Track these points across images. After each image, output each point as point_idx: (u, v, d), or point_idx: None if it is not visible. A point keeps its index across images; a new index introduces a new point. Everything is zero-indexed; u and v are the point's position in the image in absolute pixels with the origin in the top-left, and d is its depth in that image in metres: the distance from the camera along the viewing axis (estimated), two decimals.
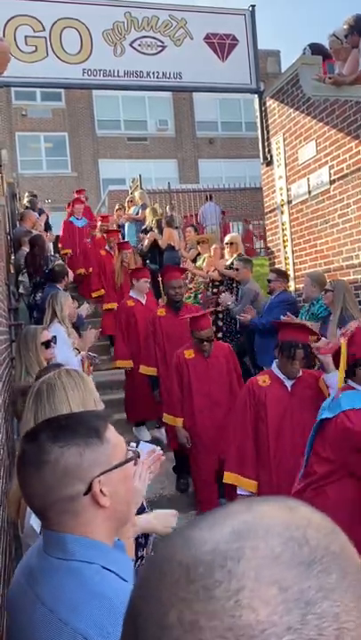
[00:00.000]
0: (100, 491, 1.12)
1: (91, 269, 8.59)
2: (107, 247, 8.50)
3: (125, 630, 0.44)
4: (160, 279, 7.13)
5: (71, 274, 6.71)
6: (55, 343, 3.68)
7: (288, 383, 3.70)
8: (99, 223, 9.83)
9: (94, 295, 8.24)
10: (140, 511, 1.70)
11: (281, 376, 3.71)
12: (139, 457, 1.27)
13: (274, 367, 3.79)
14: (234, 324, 6.41)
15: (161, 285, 7.07)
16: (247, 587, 0.38)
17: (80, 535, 1.11)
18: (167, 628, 0.39)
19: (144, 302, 6.28)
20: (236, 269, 6.45)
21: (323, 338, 4.57)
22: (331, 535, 0.43)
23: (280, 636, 0.37)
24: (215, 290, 6.93)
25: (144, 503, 1.78)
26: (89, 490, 1.11)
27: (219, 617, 0.38)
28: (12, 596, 1.20)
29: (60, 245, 10.08)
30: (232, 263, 6.69)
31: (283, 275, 6.05)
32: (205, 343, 4.56)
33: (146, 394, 5.74)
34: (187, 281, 7.77)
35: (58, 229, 11.02)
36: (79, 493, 1.11)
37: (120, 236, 9.28)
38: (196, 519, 0.46)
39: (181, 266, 8.27)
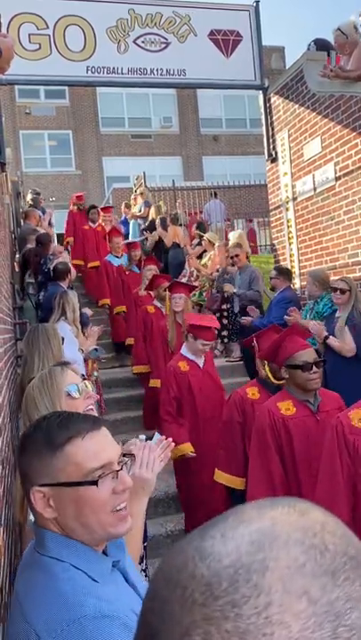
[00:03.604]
0: (48, 500, 1.12)
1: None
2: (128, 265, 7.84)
3: None
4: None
5: (74, 271, 6.70)
6: (62, 343, 3.67)
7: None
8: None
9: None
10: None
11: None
12: (118, 474, 1.17)
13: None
14: (239, 323, 6.42)
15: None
16: (275, 601, 0.37)
17: (55, 531, 1.13)
18: None
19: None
20: (237, 255, 6.62)
21: (331, 336, 4.57)
22: (345, 538, 0.42)
23: None
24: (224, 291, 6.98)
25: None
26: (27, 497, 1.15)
27: (251, 635, 0.36)
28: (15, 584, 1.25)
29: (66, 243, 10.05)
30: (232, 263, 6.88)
31: (284, 272, 6.05)
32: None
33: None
34: (192, 278, 7.77)
35: (61, 227, 11.03)
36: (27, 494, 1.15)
37: (120, 230, 9.35)
38: (206, 527, 0.44)
39: (186, 264, 8.30)
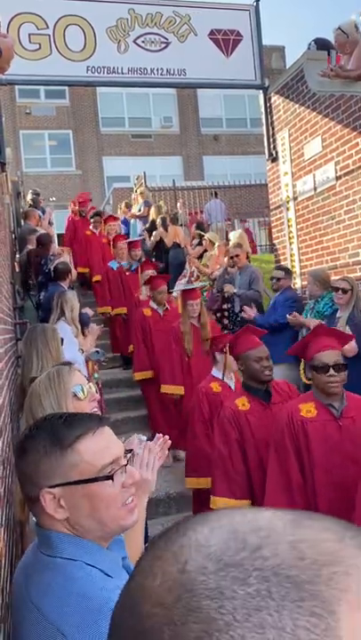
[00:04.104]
0: (59, 501, 1.11)
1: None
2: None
3: None
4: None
5: (74, 272, 6.70)
6: (62, 344, 3.66)
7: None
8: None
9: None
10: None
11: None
12: (125, 468, 1.19)
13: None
14: (240, 323, 6.41)
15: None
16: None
17: (63, 532, 1.12)
18: None
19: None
20: (237, 255, 6.63)
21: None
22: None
23: None
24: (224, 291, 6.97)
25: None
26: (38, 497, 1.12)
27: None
28: (13, 590, 1.22)
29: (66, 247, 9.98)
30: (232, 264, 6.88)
31: (288, 271, 6.05)
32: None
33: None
34: (192, 278, 7.77)
35: (61, 227, 11.02)
36: (36, 498, 1.12)
37: (118, 229, 9.26)
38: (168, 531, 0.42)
39: (187, 264, 8.29)
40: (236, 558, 0.37)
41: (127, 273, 7.40)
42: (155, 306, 5.96)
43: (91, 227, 9.18)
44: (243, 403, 3.50)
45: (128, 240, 7.95)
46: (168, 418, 5.49)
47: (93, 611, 0.98)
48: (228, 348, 3.90)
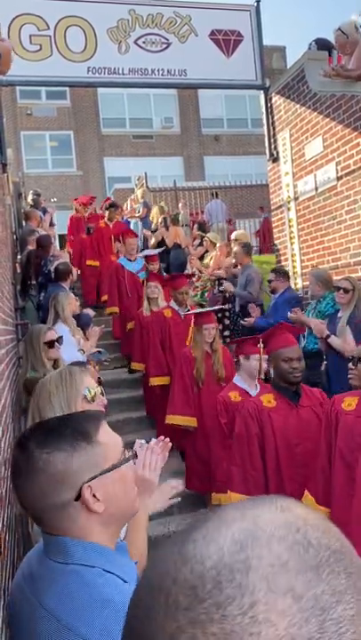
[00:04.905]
0: (94, 495, 1.09)
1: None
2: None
3: None
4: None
5: (75, 272, 6.70)
6: (61, 344, 3.68)
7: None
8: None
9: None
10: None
11: None
12: (136, 457, 1.25)
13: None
14: (240, 325, 6.43)
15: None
16: (260, 600, 0.36)
17: (78, 538, 1.08)
18: None
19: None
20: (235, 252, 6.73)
21: (332, 335, 4.56)
22: (328, 532, 0.42)
23: None
24: (221, 288, 6.98)
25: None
26: (79, 496, 1.09)
27: (238, 636, 0.35)
28: (12, 599, 1.17)
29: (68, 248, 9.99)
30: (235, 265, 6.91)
31: (282, 274, 6.06)
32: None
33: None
34: (194, 279, 7.77)
35: (63, 228, 11.04)
36: (70, 500, 1.08)
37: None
38: (187, 530, 0.43)
39: (188, 264, 8.28)
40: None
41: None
42: (176, 307, 5.56)
43: (105, 218, 9.15)
44: (269, 400, 3.42)
45: (144, 253, 7.39)
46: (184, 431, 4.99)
47: (118, 617, 0.96)
48: (261, 345, 3.75)
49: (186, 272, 8.14)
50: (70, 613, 0.99)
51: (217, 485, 4.02)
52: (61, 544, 1.08)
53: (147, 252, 7.38)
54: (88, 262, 8.87)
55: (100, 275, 8.63)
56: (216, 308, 5.43)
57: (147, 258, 7.09)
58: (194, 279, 7.70)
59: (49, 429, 1.13)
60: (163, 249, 8.38)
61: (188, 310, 5.49)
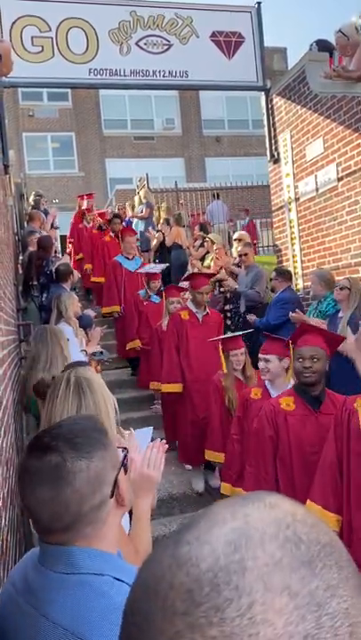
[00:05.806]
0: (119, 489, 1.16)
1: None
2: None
3: None
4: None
5: (77, 273, 6.72)
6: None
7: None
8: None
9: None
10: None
11: None
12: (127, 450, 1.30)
13: None
14: (241, 324, 6.44)
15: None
16: (258, 600, 0.36)
17: (84, 546, 1.06)
18: None
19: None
20: (245, 254, 6.71)
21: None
22: (317, 526, 0.42)
23: None
24: (222, 289, 7.00)
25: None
26: (113, 491, 1.12)
27: (237, 638, 0.35)
28: (2, 608, 1.11)
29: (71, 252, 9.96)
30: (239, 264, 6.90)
31: (283, 274, 6.08)
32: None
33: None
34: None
35: (65, 229, 11.05)
36: (106, 497, 1.10)
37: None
38: (179, 533, 0.43)
39: (189, 265, 8.29)
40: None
41: (145, 303, 6.75)
42: (194, 308, 5.25)
43: (111, 233, 8.59)
44: (288, 402, 3.28)
45: (146, 270, 7.11)
46: (198, 440, 4.82)
47: None
48: (291, 345, 3.52)
49: (186, 272, 8.13)
50: (83, 624, 0.96)
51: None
52: (66, 554, 1.05)
53: (148, 269, 7.06)
54: (93, 279, 8.50)
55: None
56: (242, 332, 4.79)
57: (148, 275, 6.83)
58: None
59: (76, 433, 1.10)
60: (166, 266, 7.89)
61: (207, 313, 5.26)
